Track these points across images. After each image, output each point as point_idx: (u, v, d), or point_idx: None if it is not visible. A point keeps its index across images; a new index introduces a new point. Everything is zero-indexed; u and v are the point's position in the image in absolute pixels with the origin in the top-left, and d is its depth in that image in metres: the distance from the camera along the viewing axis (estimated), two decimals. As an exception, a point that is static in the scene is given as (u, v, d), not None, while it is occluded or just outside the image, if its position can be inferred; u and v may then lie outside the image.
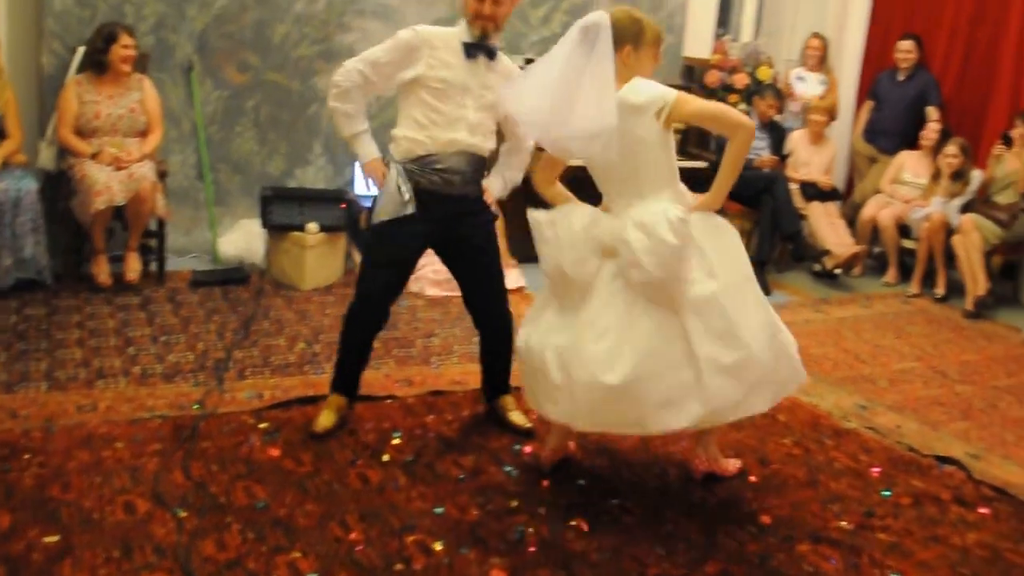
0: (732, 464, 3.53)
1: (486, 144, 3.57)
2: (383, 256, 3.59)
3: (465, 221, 3.59)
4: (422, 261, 3.85)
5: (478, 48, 3.48)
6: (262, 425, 3.61)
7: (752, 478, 3.52)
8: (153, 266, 5.35)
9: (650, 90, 3.08)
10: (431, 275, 5.46)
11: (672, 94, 3.06)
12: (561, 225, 3.22)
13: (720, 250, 3.17)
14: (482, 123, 3.53)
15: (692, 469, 3.48)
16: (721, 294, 3.06)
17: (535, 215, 3.28)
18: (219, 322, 4.75)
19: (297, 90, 6.05)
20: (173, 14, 5.66)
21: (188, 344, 4.42)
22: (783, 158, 6.91)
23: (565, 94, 3.02)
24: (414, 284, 5.47)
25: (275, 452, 3.41)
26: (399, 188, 3.46)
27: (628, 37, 3.12)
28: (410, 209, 3.44)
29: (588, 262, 3.16)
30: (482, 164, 3.61)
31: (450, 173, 3.49)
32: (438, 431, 3.70)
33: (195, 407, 3.73)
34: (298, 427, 3.61)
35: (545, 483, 3.35)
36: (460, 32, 3.51)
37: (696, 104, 3.15)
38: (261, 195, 5.53)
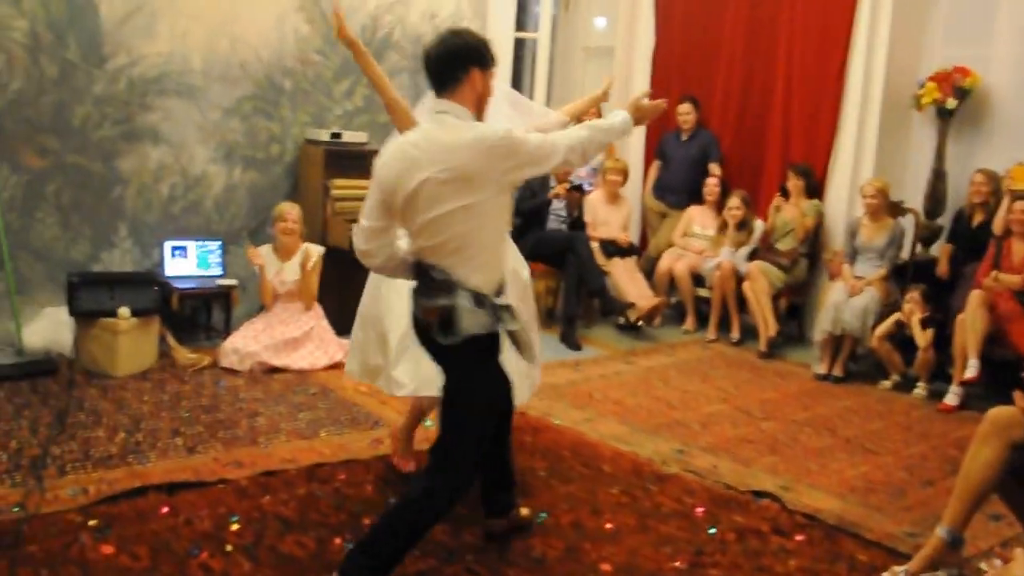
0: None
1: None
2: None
3: None
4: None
5: None
6: (91, 522, 3.47)
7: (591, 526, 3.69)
8: (-50, 363, 5.06)
9: None
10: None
11: None
12: None
13: None
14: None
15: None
16: None
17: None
18: (30, 417, 4.54)
19: (99, 172, 5.89)
20: (-37, 99, 5.44)
21: (-1, 443, 4.22)
22: (579, 216, 7.20)
23: None
24: (245, 362, 5.47)
25: (109, 549, 3.29)
26: None
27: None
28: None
29: None
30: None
31: None
32: (276, 511, 3.67)
33: (15, 509, 3.54)
34: (130, 520, 3.51)
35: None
36: None
37: None
38: (68, 281, 5.35)
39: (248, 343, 5.54)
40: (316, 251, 5.88)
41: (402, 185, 2.90)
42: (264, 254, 5.85)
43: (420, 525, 3.00)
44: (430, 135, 2.94)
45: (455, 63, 2.98)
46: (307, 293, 5.83)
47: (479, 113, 3.05)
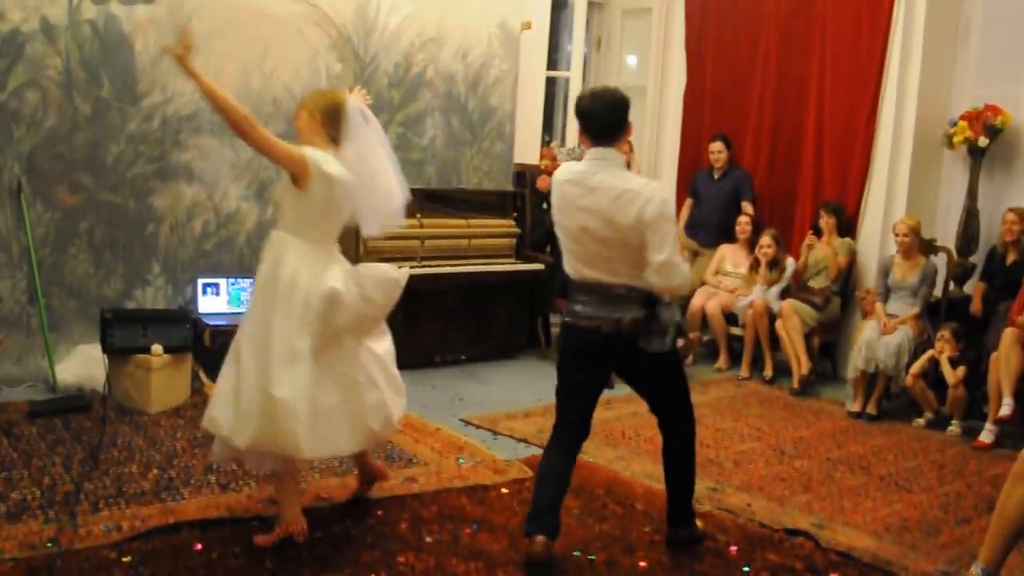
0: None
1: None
2: None
3: None
4: None
5: None
6: (125, 559, 3.47)
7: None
8: (-17, 399, 5.11)
9: None
10: None
11: None
12: None
13: None
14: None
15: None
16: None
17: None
18: (64, 453, 4.56)
19: (133, 210, 5.97)
20: (-1, 136, 5.53)
21: (33, 479, 4.21)
22: None
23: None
24: None
25: (142, 585, 3.30)
26: None
27: None
28: None
29: None
30: None
31: None
32: (310, 549, 3.66)
33: (49, 545, 3.55)
34: (163, 557, 3.50)
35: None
36: None
37: None
38: (101, 317, 5.38)
39: None
40: None
41: None
42: None
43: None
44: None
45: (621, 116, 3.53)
46: None
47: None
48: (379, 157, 3.74)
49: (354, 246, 6.31)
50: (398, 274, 3.76)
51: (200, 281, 6.16)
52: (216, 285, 6.20)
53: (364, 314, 3.65)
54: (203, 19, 5.98)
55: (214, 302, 6.18)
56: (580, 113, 3.56)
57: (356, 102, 3.72)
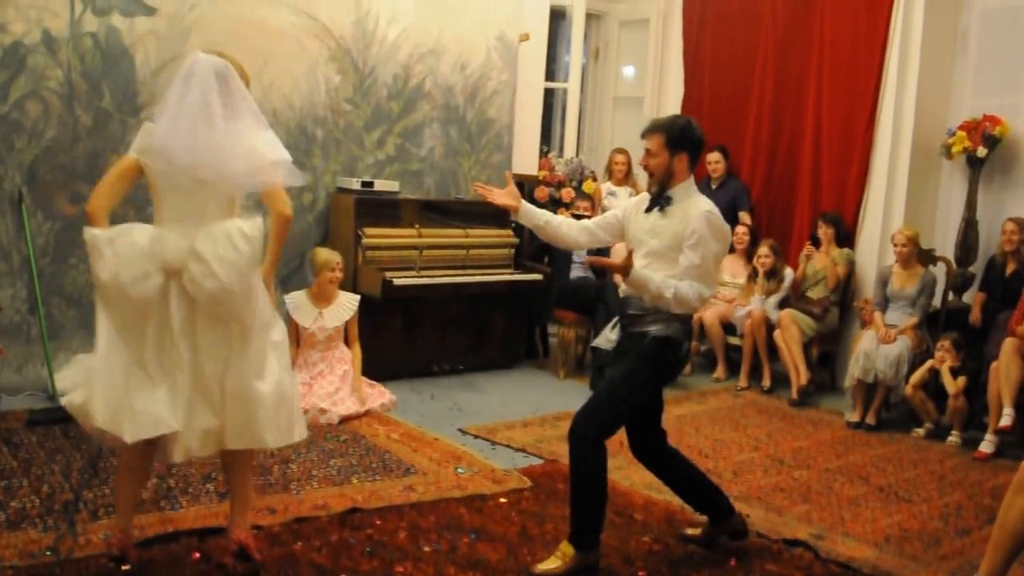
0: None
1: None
2: None
3: None
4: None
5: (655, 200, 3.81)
6: (124, 567, 3.47)
7: None
8: (-17, 408, 5.11)
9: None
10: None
11: None
12: (122, 242, 3.23)
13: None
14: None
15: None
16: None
17: (92, 232, 3.26)
18: (63, 462, 4.56)
19: (132, 219, 5.91)
20: (0, 146, 5.54)
21: (32, 487, 4.22)
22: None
23: (221, 131, 3.23)
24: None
25: (141, 594, 3.30)
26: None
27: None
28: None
29: (151, 278, 3.20)
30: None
31: None
32: (308, 558, 3.66)
33: (48, 554, 3.55)
34: (162, 566, 3.51)
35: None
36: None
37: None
38: (101, 328, 5.38)
39: (308, 396, 5.53)
40: (355, 299, 5.93)
41: None
42: (299, 301, 5.88)
43: None
44: None
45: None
46: (353, 340, 5.91)
47: None
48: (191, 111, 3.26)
49: (353, 256, 6.33)
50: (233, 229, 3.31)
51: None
52: (215, 295, 6.19)
53: (141, 279, 3.21)
54: (203, 31, 6.01)
55: (213, 312, 6.17)
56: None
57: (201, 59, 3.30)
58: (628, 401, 3.65)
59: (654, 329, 3.66)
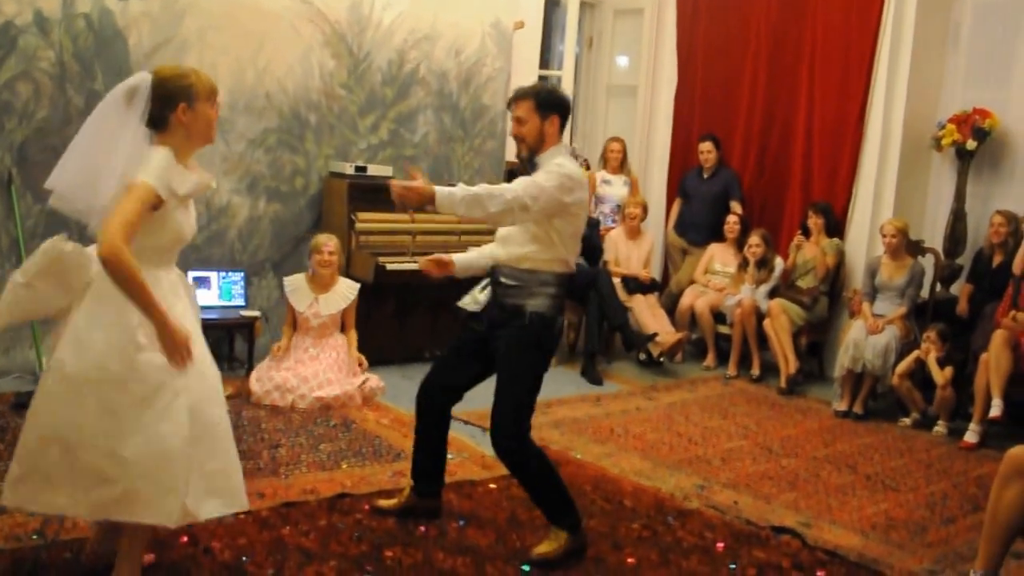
0: None
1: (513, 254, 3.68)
2: None
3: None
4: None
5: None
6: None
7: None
8: (-29, 390, 5.09)
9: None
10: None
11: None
12: None
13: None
14: (509, 235, 3.70)
15: None
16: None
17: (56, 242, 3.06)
18: (53, 444, 4.55)
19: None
20: (-10, 127, 5.52)
21: (21, 470, 4.22)
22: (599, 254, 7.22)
23: (101, 160, 2.95)
24: (287, 397, 5.48)
25: (131, 576, 3.29)
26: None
27: (180, 94, 2.99)
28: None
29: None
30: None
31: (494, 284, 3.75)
32: (297, 543, 3.66)
33: (34, 537, 3.53)
34: (148, 550, 3.50)
35: (411, 584, 3.39)
36: None
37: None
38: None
39: (288, 377, 5.53)
40: (354, 287, 5.91)
41: None
42: (297, 285, 5.87)
43: None
44: None
45: None
46: (348, 327, 5.92)
47: None
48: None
49: (346, 241, 6.32)
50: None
51: (191, 274, 6.14)
52: (207, 279, 6.19)
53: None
54: (198, 14, 5.99)
55: (204, 295, 6.16)
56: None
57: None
58: (529, 396, 3.65)
59: (531, 304, 3.60)
